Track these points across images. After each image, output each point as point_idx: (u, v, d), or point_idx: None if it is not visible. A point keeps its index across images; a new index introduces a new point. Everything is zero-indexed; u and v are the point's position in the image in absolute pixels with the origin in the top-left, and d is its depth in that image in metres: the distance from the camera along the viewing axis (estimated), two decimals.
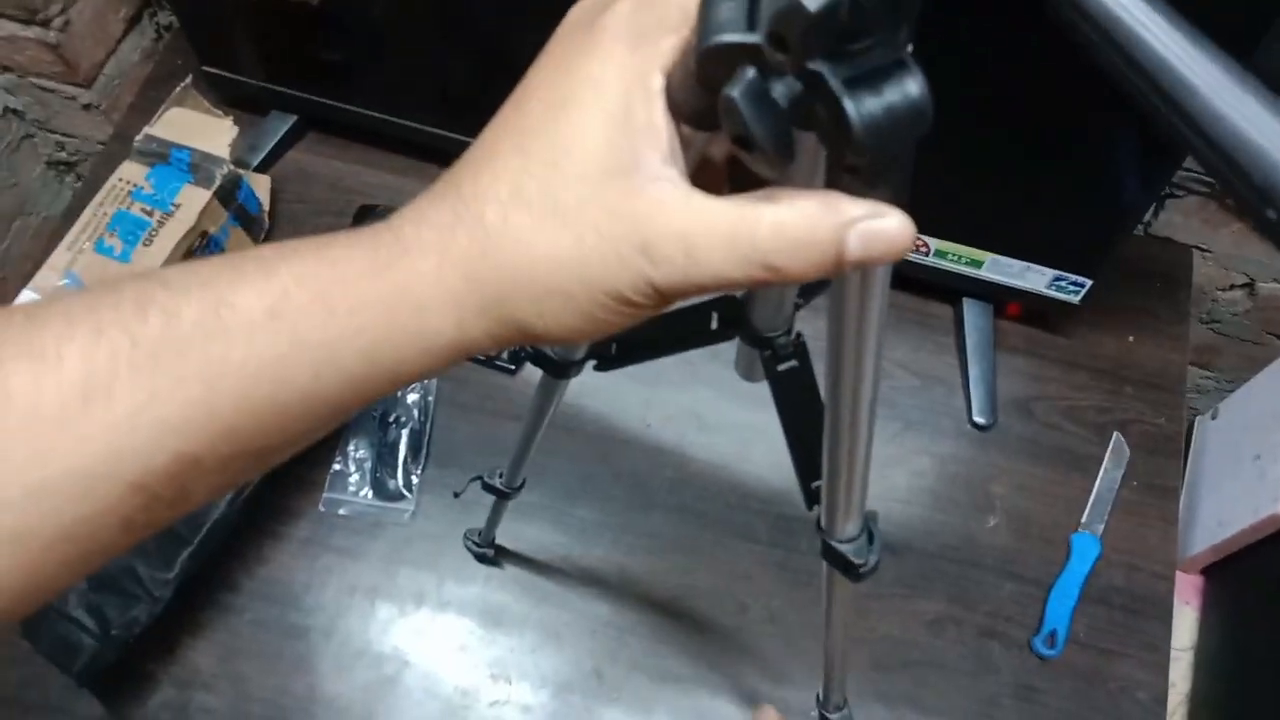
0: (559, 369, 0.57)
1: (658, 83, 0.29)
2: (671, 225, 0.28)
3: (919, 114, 0.27)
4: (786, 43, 0.25)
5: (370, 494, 0.89)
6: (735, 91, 0.26)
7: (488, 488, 0.74)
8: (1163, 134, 0.24)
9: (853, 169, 0.28)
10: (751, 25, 0.27)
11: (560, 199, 0.28)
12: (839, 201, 0.28)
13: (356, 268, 0.30)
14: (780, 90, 0.27)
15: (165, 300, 0.29)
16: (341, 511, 0.89)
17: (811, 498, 0.53)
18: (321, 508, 0.89)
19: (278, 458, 0.32)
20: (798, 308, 0.51)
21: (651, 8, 0.30)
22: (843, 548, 0.49)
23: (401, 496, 0.89)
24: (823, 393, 0.40)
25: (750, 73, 0.27)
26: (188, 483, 0.30)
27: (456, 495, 0.78)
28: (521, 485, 0.74)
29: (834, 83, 0.26)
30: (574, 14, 0.32)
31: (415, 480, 0.90)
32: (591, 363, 0.59)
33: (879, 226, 0.27)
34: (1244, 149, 0.23)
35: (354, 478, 0.90)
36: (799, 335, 0.51)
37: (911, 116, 0.27)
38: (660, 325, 0.55)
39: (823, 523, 0.49)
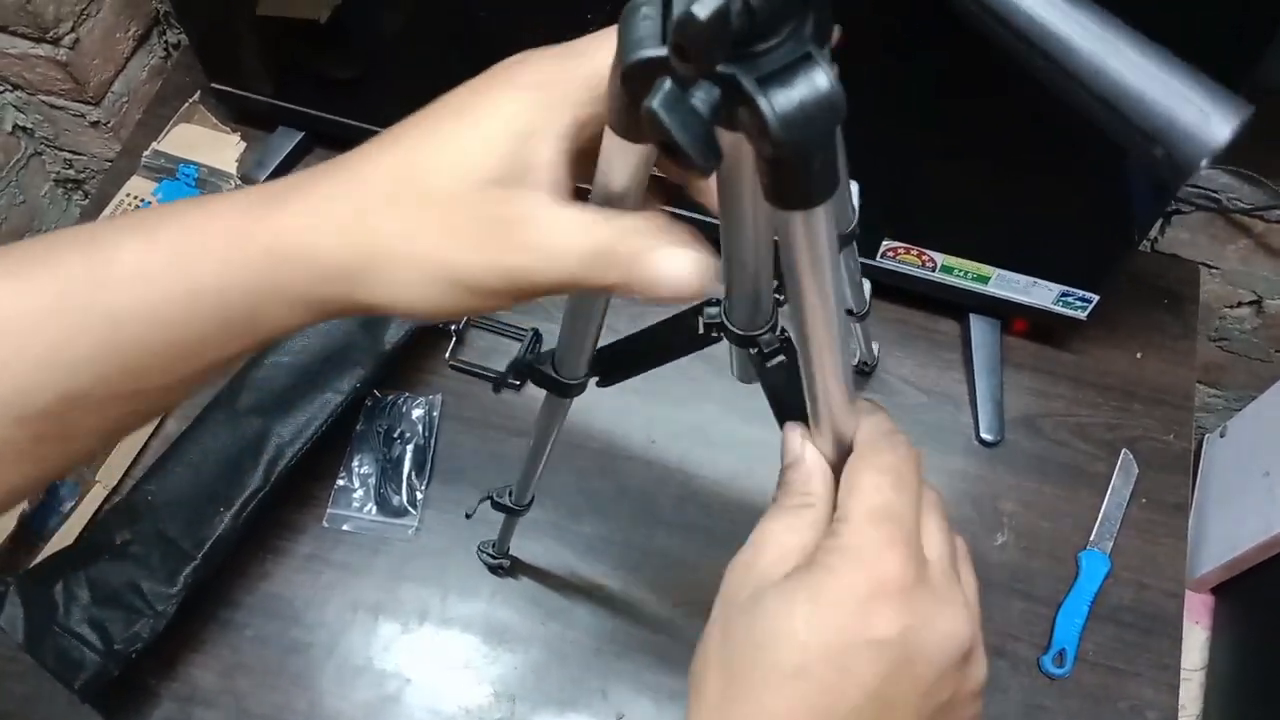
0: (563, 389, 0.58)
1: (562, 123, 0.33)
2: (535, 235, 0.33)
3: (831, 104, 0.28)
4: (687, 52, 0.26)
5: (374, 510, 0.89)
6: (654, 102, 0.28)
7: (497, 506, 0.74)
8: (1058, 95, 0.25)
9: (778, 162, 0.30)
10: (665, 39, 0.29)
11: (450, 193, 0.33)
12: (659, 231, 0.33)
13: (233, 215, 0.34)
14: (700, 97, 0.28)
15: (48, 259, 0.34)
16: (345, 527, 0.89)
17: None
18: (325, 523, 0.89)
19: (156, 404, 0.37)
20: (779, 304, 0.51)
21: (575, 60, 0.34)
22: None
23: (406, 512, 0.89)
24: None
25: (667, 83, 0.28)
26: (70, 421, 0.35)
27: (468, 516, 0.78)
28: (531, 502, 0.74)
29: (747, 83, 0.28)
30: (507, 61, 0.36)
31: (419, 496, 0.90)
32: (593, 380, 0.59)
33: (677, 261, 0.33)
34: (1125, 96, 0.24)
35: (358, 493, 0.90)
36: (784, 330, 0.51)
37: (824, 107, 0.28)
38: (652, 336, 0.56)
39: None
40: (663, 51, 0.29)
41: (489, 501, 0.75)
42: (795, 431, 0.42)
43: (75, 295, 0.33)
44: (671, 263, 0.32)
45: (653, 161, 0.35)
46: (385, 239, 0.33)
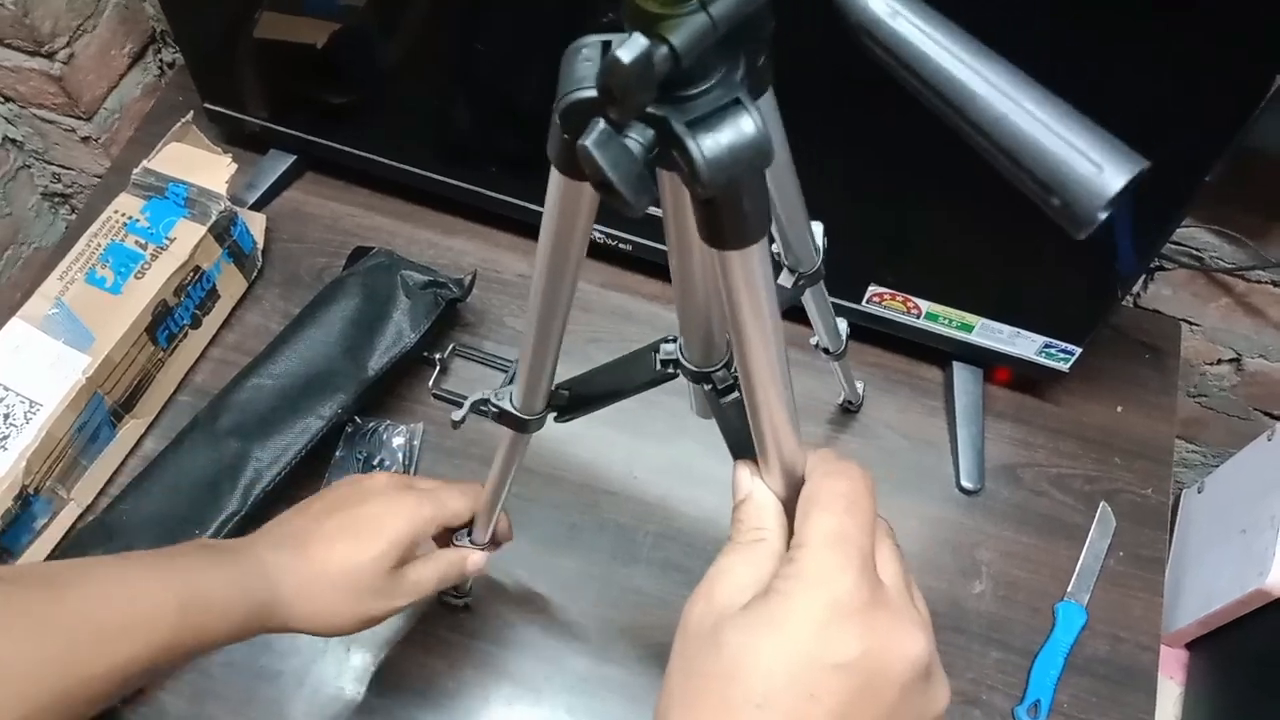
0: (521, 424, 0.58)
1: (424, 534, 0.66)
2: (411, 587, 0.65)
3: (758, 149, 0.29)
4: (613, 94, 0.27)
5: None
6: (589, 141, 0.29)
7: (457, 539, 0.73)
8: (966, 143, 0.26)
9: (709, 203, 0.31)
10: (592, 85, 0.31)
11: (362, 582, 0.62)
12: (464, 553, 0.70)
13: (249, 582, 0.59)
14: (633, 137, 0.29)
15: (158, 581, 0.57)
16: None
17: None
18: None
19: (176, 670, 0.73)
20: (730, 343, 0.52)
21: (435, 506, 0.67)
22: None
23: None
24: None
25: (600, 123, 0.29)
26: (139, 681, 0.59)
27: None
28: (492, 540, 0.73)
29: (678, 126, 0.29)
30: (383, 479, 0.68)
31: None
32: (551, 415, 0.60)
33: (474, 559, 0.70)
34: (1024, 147, 0.25)
35: None
36: (736, 368, 0.52)
37: (751, 151, 0.29)
38: (611, 371, 0.56)
39: None
40: (591, 93, 0.31)
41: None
42: (744, 469, 0.43)
43: (182, 607, 0.56)
44: (475, 561, 0.70)
45: (597, 198, 0.36)
46: (335, 608, 0.62)
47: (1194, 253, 0.98)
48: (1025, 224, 0.81)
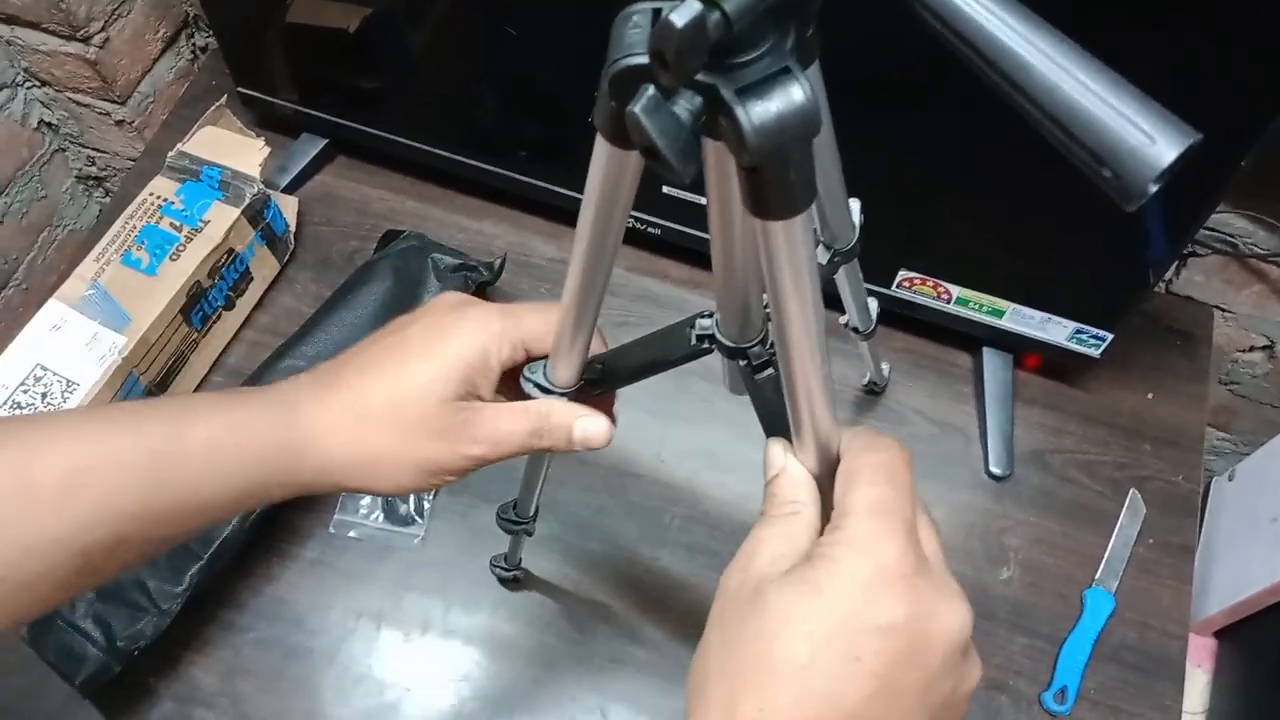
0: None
1: (500, 357, 0.49)
2: (485, 431, 0.48)
3: (806, 117, 0.29)
4: (665, 59, 0.27)
5: (381, 517, 0.89)
6: (637, 107, 0.29)
7: (503, 522, 0.74)
8: (1015, 111, 0.26)
9: (755, 171, 0.31)
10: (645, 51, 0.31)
11: (423, 412, 0.47)
12: (574, 409, 0.51)
13: (264, 426, 0.46)
14: (682, 104, 0.30)
15: (134, 425, 0.45)
16: (351, 534, 0.89)
17: None
18: (332, 529, 0.89)
19: (168, 546, 0.47)
20: (768, 319, 0.52)
21: (512, 320, 0.50)
22: None
23: (412, 521, 0.89)
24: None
25: (650, 89, 0.29)
26: (113, 556, 0.44)
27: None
28: (535, 517, 0.74)
29: (726, 93, 0.29)
30: (454, 302, 0.51)
31: (427, 506, 0.90)
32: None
33: (588, 424, 0.51)
34: (1077, 117, 0.25)
35: (365, 500, 0.90)
36: (773, 344, 0.52)
37: (799, 120, 0.29)
38: (645, 346, 0.56)
39: None
40: (641, 59, 0.31)
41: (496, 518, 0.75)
42: (777, 445, 0.43)
43: (153, 456, 0.44)
44: (588, 429, 0.51)
45: (640, 168, 0.36)
46: (378, 448, 0.47)
47: (1227, 238, 0.97)
48: (1057, 209, 0.81)
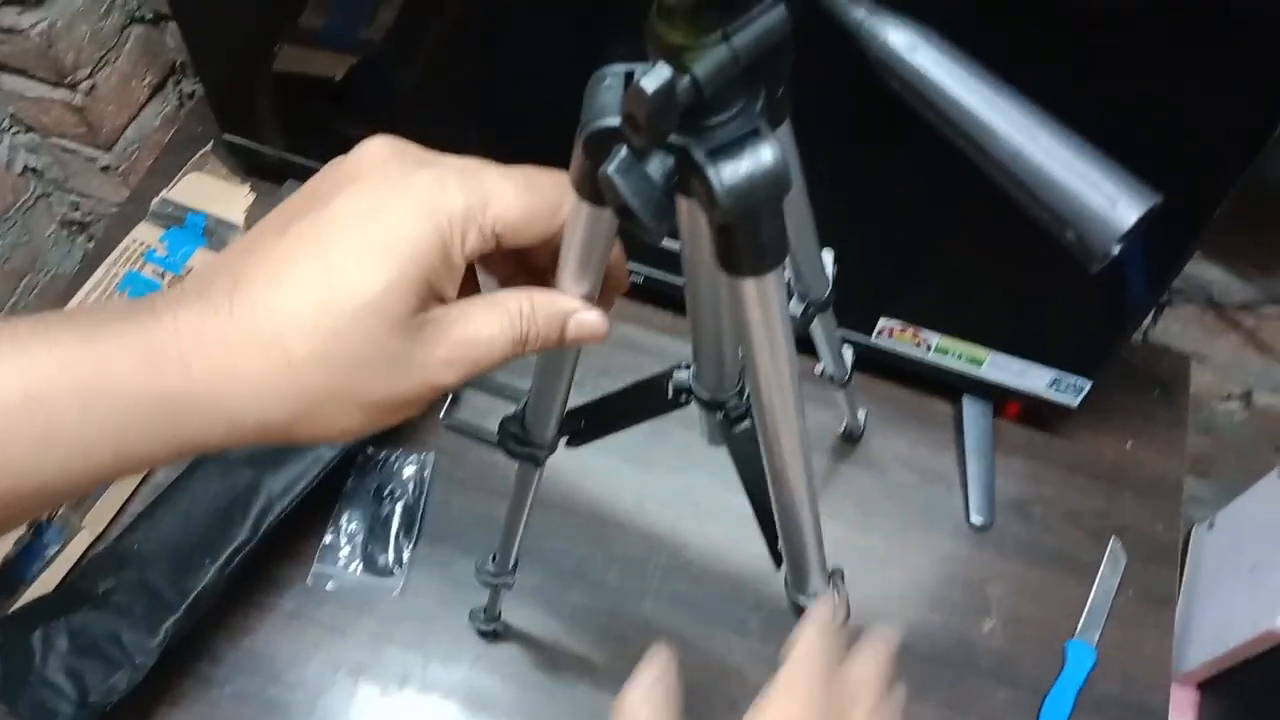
0: (533, 455, 0.58)
1: (476, 224, 0.34)
2: (457, 347, 0.34)
3: (776, 179, 0.30)
4: (636, 122, 0.28)
5: (360, 568, 0.88)
6: (610, 168, 0.30)
7: (481, 577, 0.74)
8: (981, 175, 0.27)
9: (727, 229, 0.32)
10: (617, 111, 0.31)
11: (373, 337, 0.32)
12: (563, 300, 0.38)
13: (124, 364, 0.30)
14: (654, 165, 0.30)
15: None
16: (330, 585, 0.88)
17: (777, 557, 0.54)
18: (310, 580, 0.88)
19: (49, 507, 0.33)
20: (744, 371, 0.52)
21: (474, 180, 0.35)
22: (807, 602, 0.51)
23: (391, 573, 0.88)
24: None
25: (623, 151, 0.30)
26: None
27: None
28: (514, 569, 0.74)
29: (698, 154, 0.30)
30: (378, 149, 0.35)
31: (406, 556, 0.89)
32: (564, 441, 0.60)
33: (584, 316, 0.38)
34: (1040, 181, 0.26)
35: (344, 551, 0.89)
36: (748, 396, 0.52)
37: (769, 181, 0.30)
38: (623, 398, 0.57)
39: (789, 580, 0.51)
40: (614, 122, 0.31)
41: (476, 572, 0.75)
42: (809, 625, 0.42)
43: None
44: (584, 322, 0.38)
45: (616, 224, 0.37)
46: (310, 391, 0.32)
47: (1202, 288, 0.99)
48: (1034, 259, 0.82)
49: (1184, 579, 1.19)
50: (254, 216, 0.98)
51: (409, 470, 0.93)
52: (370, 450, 0.92)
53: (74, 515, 0.85)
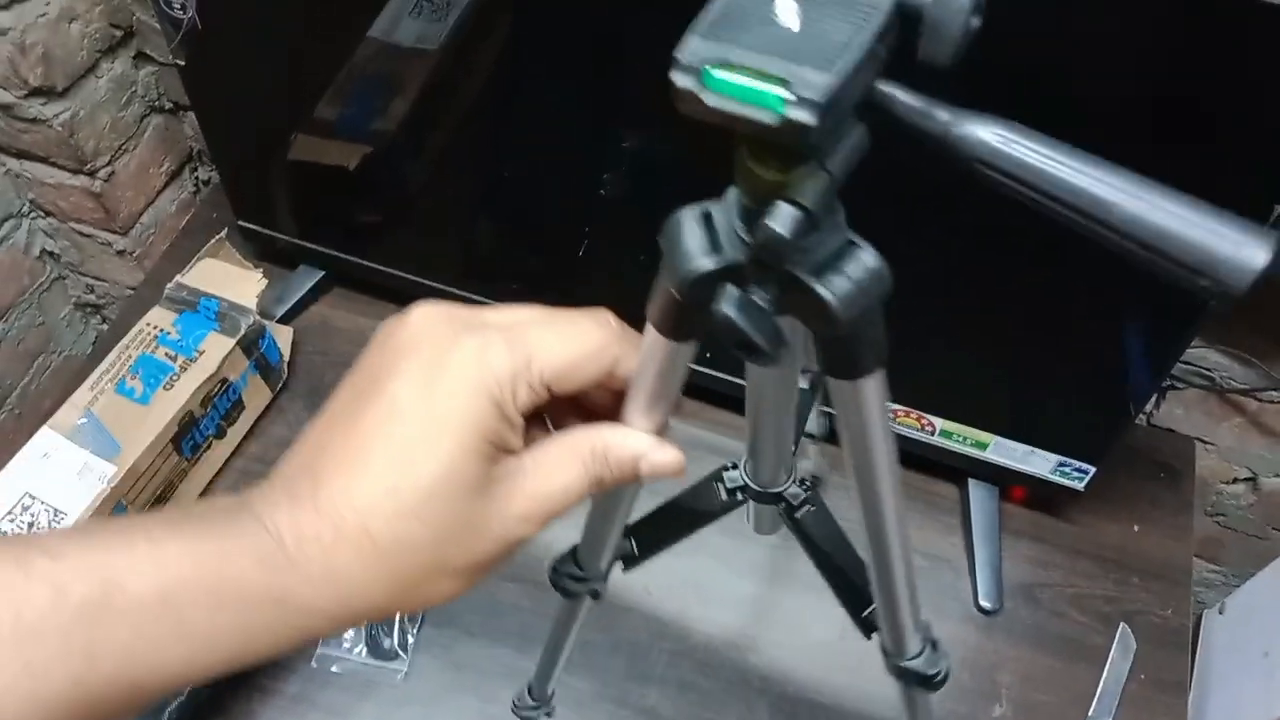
0: (594, 593, 0.59)
1: (524, 381, 0.35)
2: (534, 501, 0.36)
3: (880, 279, 0.32)
4: (768, 263, 0.30)
5: (364, 651, 0.88)
6: (729, 309, 0.31)
7: (520, 713, 0.73)
8: (1105, 249, 0.28)
9: (836, 340, 0.33)
10: (715, 248, 0.32)
11: (451, 512, 0.34)
12: (635, 438, 0.38)
13: (243, 564, 0.33)
14: (760, 294, 0.31)
15: (54, 574, 0.31)
16: (334, 668, 0.87)
17: (866, 626, 0.55)
18: (314, 663, 0.87)
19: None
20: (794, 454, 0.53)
21: (519, 341, 0.35)
22: (913, 664, 0.52)
23: (396, 656, 0.88)
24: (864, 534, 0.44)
25: (732, 289, 0.31)
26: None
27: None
28: (552, 697, 0.73)
29: (806, 277, 0.31)
30: (424, 319, 0.36)
31: (411, 640, 0.88)
32: (619, 565, 0.60)
33: (658, 455, 0.38)
34: (1164, 240, 0.26)
35: (349, 633, 0.89)
36: (806, 480, 0.53)
37: (876, 283, 0.32)
38: (677, 509, 0.57)
39: (888, 647, 0.52)
40: (725, 261, 0.32)
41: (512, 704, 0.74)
42: None
43: (82, 617, 0.31)
44: (656, 461, 0.38)
45: (691, 355, 0.37)
46: (407, 574, 0.34)
47: (1205, 372, 0.99)
48: (1038, 344, 0.83)
49: (1195, 664, 1.17)
50: (265, 300, 0.99)
51: None
52: None
53: None
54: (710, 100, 0.26)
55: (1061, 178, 0.27)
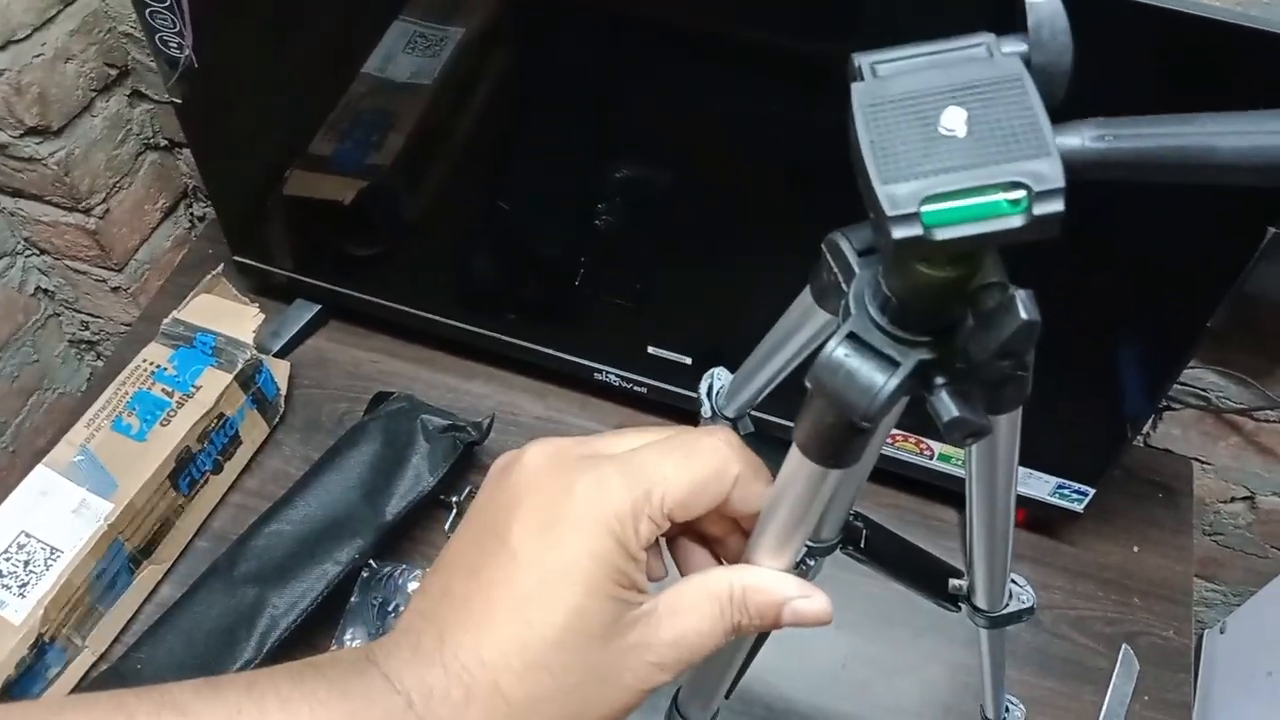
0: None
1: (645, 516, 0.34)
2: (669, 650, 0.34)
3: (1033, 327, 0.30)
4: (1017, 352, 0.29)
5: None
6: (955, 410, 0.31)
7: None
8: (1228, 189, 0.29)
9: (1008, 378, 0.35)
10: (890, 365, 0.31)
11: (582, 664, 0.33)
12: (776, 583, 0.36)
13: None
14: (950, 378, 0.31)
15: None
16: None
17: (952, 600, 0.62)
18: None
19: None
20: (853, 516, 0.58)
21: (637, 476, 0.34)
22: (1010, 608, 0.59)
23: None
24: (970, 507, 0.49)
25: (946, 388, 0.31)
26: None
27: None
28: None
29: (1009, 339, 0.30)
30: (536, 460, 0.35)
31: None
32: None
33: (803, 604, 0.36)
34: (1271, 153, 0.27)
35: None
36: (859, 521, 0.59)
37: (1029, 332, 0.30)
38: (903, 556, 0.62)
39: (984, 606, 0.59)
40: (897, 380, 0.31)
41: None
42: None
43: None
44: (801, 610, 0.36)
45: (837, 483, 0.35)
46: None
47: (1201, 393, 1.00)
48: (1035, 367, 0.83)
49: (1199, 685, 1.17)
50: (262, 334, 0.99)
51: (414, 585, 0.92)
52: (375, 565, 0.92)
53: (76, 635, 0.85)
54: (942, 235, 0.25)
55: (1168, 144, 0.28)
